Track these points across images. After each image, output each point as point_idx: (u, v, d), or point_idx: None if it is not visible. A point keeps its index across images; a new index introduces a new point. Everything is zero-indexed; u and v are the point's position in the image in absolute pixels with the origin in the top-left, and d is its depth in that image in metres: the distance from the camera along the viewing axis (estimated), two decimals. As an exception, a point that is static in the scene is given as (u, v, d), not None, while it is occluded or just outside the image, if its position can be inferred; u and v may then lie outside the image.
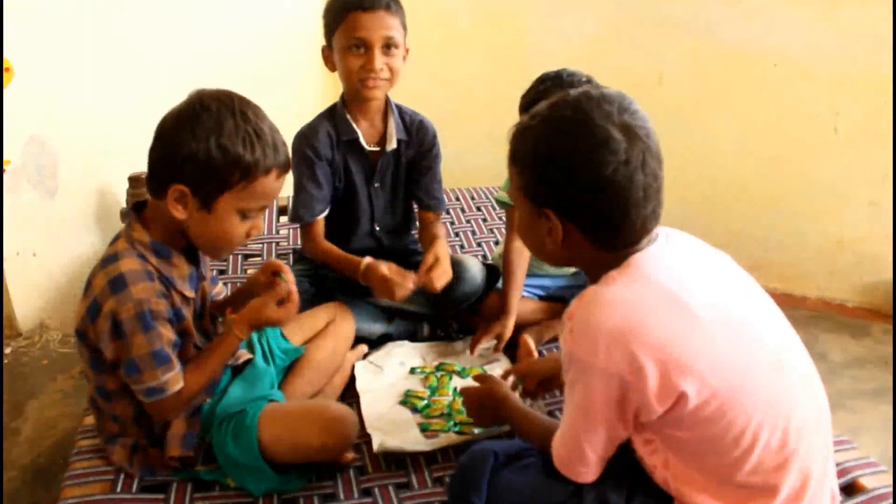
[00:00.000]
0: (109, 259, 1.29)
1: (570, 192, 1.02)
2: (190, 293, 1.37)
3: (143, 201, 1.35)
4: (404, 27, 1.77)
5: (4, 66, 2.09)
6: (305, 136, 1.86)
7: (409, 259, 2.02)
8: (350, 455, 1.50)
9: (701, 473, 1.06)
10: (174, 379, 1.30)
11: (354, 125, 1.85)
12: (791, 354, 1.10)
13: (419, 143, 1.92)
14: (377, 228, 1.97)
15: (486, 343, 1.90)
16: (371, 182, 1.90)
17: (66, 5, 2.32)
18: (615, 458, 1.13)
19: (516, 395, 1.44)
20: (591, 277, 1.12)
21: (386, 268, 1.67)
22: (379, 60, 1.72)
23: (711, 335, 1.01)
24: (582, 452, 1.09)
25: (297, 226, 2.39)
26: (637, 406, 1.02)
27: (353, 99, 1.83)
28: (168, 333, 1.29)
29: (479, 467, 1.19)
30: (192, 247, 1.36)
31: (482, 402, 1.45)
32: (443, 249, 1.77)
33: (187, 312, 1.37)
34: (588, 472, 1.11)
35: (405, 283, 1.65)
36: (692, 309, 1.00)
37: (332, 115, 1.88)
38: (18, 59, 2.14)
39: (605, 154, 0.99)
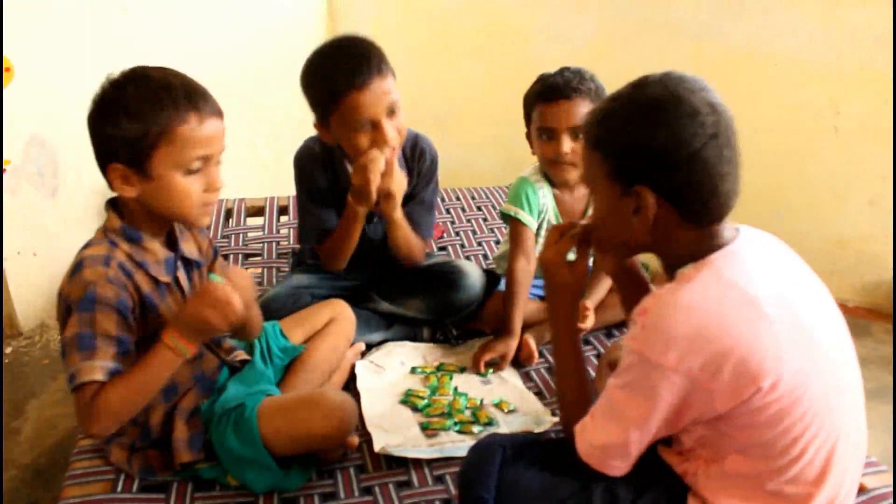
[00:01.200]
0: (82, 248, 1.31)
1: (662, 168, 1.04)
2: (165, 278, 1.34)
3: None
4: (393, 74, 1.66)
5: (5, 65, 2.09)
6: (304, 163, 1.82)
7: (416, 271, 1.96)
8: (355, 440, 1.50)
9: (738, 476, 1.06)
10: (89, 369, 1.20)
11: (350, 168, 1.75)
12: (848, 374, 1.10)
13: (418, 174, 1.87)
14: (377, 253, 1.93)
15: (489, 356, 1.88)
16: (370, 219, 1.84)
17: (66, 5, 2.33)
18: None
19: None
20: (667, 266, 1.12)
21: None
22: (390, 131, 1.63)
23: (784, 342, 1.00)
24: (626, 449, 1.07)
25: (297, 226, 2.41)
26: (698, 408, 1.02)
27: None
28: (105, 323, 1.22)
29: (487, 462, 1.18)
30: (171, 232, 1.37)
31: (564, 280, 1.26)
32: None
33: (170, 299, 1.34)
34: (623, 466, 1.09)
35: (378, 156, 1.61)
36: (768, 315, 1.00)
37: (331, 156, 1.80)
38: (18, 59, 2.14)
39: (696, 127, 1.02)
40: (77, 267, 1.26)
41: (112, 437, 1.41)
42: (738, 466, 1.06)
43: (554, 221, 1.90)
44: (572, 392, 1.23)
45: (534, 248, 1.88)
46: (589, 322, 1.79)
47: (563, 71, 1.78)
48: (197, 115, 1.25)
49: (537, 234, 1.91)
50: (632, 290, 1.37)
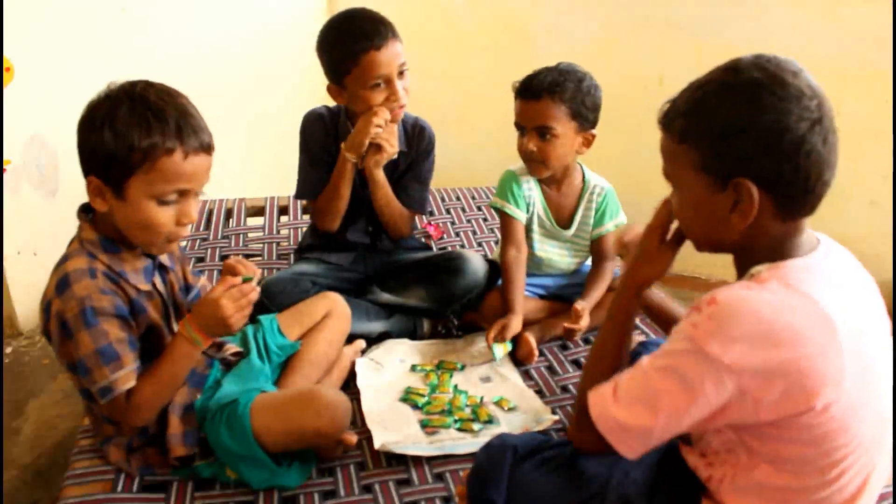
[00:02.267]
0: (61, 261, 1.30)
1: (767, 156, 0.95)
2: (145, 286, 1.34)
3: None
4: (401, 41, 1.81)
5: (5, 65, 2.09)
6: (309, 124, 1.94)
7: (407, 255, 2.03)
8: (352, 437, 1.50)
9: (765, 488, 1.02)
10: (124, 377, 1.27)
11: None
12: (890, 403, 1.06)
13: (416, 149, 1.96)
14: (370, 229, 2.00)
15: (493, 332, 1.89)
16: (366, 186, 1.92)
17: (66, 5, 2.33)
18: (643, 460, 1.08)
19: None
20: (740, 264, 1.06)
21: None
22: (400, 89, 1.79)
23: (848, 370, 0.95)
24: (649, 435, 1.00)
25: (298, 226, 2.42)
26: (739, 414, 0.96)
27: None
28: (115, 330, 1.26)
29: (498, 463, 1.16)
30: None
31: (654, 254, 1.20)
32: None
33: (150, 306, 1.36)
34: (638, 451, 1.02)
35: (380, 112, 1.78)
36: (840, 340, 0.94)
37: (335, 120, 1.92)
38: (19, 59, 2.14)
39: (801, 111, 0.94)
40: (63, 283, 1.26)
41: (109, 438, 1.41)
42: (768, 478, 1.00)
43: (542, 215, 1.93)
44: (601, 373, 1.13)
45: (524, 239, 1.93)
46: (583, 322, 1.79)
47: (549, 69, 1.80)
48: (183, 149, 1.23)
49: (530, 228, 1.95)
50: (662, 317, 1.38)
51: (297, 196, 2.02)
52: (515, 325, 1.81)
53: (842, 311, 0.96)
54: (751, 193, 0.97)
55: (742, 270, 1.05)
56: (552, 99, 1.77)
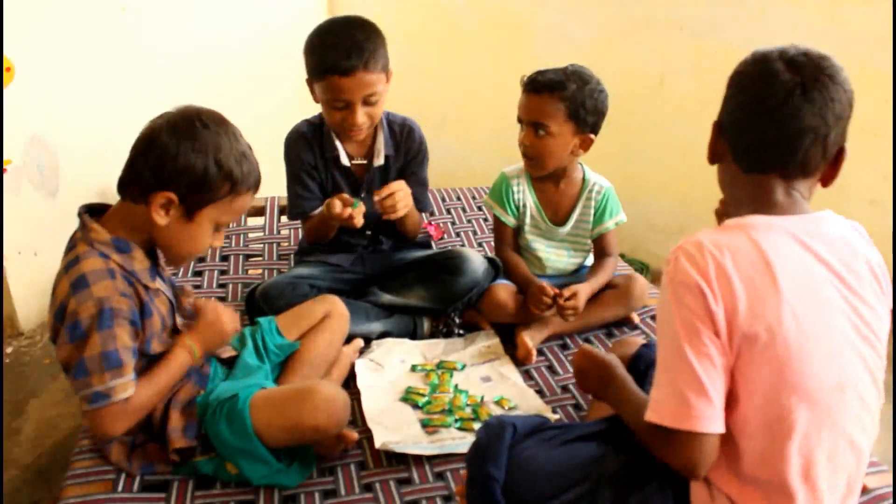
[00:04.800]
0: (72, 263, 1.30)
1: (727, 103, 1.14)
2: (155, 284, 1.37)
3: (97, 204, 1.38)
4: (385, 68, 1.79)
5: (5, 65, 2.09)
6: (292, 142, 1.95)
7: (407, 255, 2.03)
8: (354, 435, 1.50)
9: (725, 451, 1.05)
10: (122, 386, 1.28)
11: (338, 142, 1.91)
12: (863, 387, 1.07)
13: (407, 150, 1.97)
14: (368, 232, 2.01)
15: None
16: (357, 193, 1.93)
17: (66, 5, 2.33)
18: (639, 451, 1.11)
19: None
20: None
21: (337, 199, 1.77)
22: (360, 115, 1.77)
23: (785, 311, 1.01)
24: (694, 377, 1.01)
25: (298, 226, 2.42)
26: (711, 325, 1.01)
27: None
28: (124, 336, 1.28)
29: (498, 439, 1.18)
30: (152, 246, 1.40)
31: (592, 366, 1.32)
32: (401, 188, 1.81)
33: (160, 305, 1.38)
34: (705, 411, 1.01)
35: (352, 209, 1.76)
36: (779, 281, 1.02)
37: (318, 127, 1.94)
38: (19, 59, 2.14)
39: (772, 84, 1.07)
40: (81, 283, 1.26)
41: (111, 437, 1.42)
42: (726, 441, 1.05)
43: (536, 214, 1.95)
44: (637, 412, 1.14)
45: (513, 240, 2.01)
46: (579, 302, 1.82)
47: (557, 69, 1.82)
48: (254, 189, 1.39)
49: (522, 228, 1.98)
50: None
51: (290, 217, 2.03)
52: (540, 289, 1.83)
53: (790, 265, 1.03)
54: (717, 132, 1.15)
55: None
56: (551, 96, 1.79)
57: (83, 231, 1.33)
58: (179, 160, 1.27)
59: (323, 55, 1.73)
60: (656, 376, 1.07)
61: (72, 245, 1.34)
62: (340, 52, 1.70)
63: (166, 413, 1.40)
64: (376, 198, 1.78)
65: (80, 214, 1.36)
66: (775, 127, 1.07)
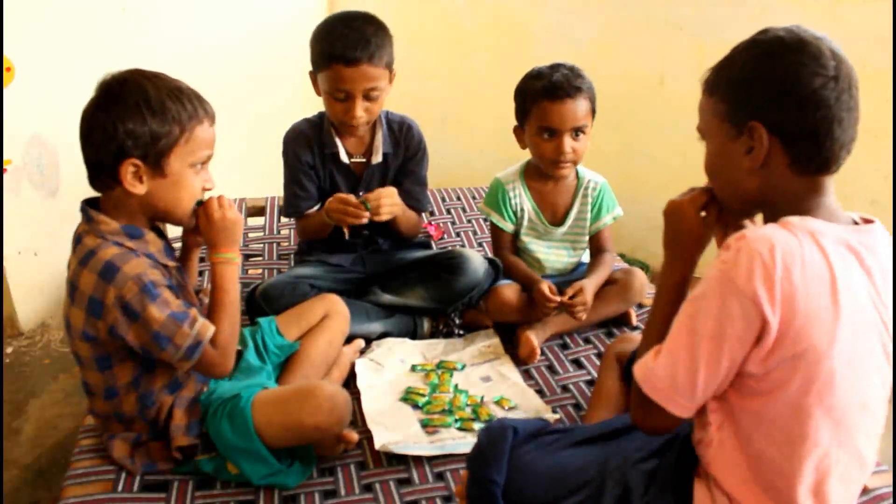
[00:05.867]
0: (88, 256, 1.30)
1: (779, 103, 1.02)
2: (172, 263, 1.39)
3: (94, 198, 1.38)
4: (388, 66, 1.80)
5: (5, 65, 2.09)
6: (290, 141, 1.95)
7: (407, 255, 2.03)
8: (354, 436, 1.50)
9: (744, 456, 1.04)
10: (203, 327, 1.32)
11: (337, 139, 1.91)
12: (880, 405, 1.06)
13: (406, 149, 1.98)
14: (365, 232, 2.00)
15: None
16: (356, 191, 1.93)
17: (66, 5, 2.33)
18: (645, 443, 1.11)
19: None
20: (769, 219, 1.08)
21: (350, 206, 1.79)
22: (360, 108, 1.79)
23: (841, 328, 0.97)
24: (694, 378, 1.00)
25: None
26: (759, 353, 0.97)
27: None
28: (172, 298, 1.31)
29: (499, 443, 1.17)
30: (156, 226, 1.41)
31: (683, 221, 1.18)
32: (389, 195, 1.82)
33: (177, 281, 1.40)
34: (687, 406, 1.02)
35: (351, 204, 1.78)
36: (840, 297, 0.96)
37: (318, 125, 1.95)
38: (19, 59, 2.14)
39: (817, 67, 1.01)
40: (110, 269, 1.27)
41: (114, 434, 1.42)
42: (747, 446, 1.04)
43: (533, 217, 1.95)
44: (655, 340, 1.11)
45: (511, 245, 1.99)
46: (587, 298, 1.81)
47: (558, 67, 1.81)
48: (206, 116, 1.35)
49: (520, 232, 1.98)
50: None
51: (285, 214, 2.05)
52: (541, 288, 1.82)
53: (852, 284, 0.98)
54: (761, 137, 1.03)
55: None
56: (582, 95, 1.78)
57: (90, 224, 1.33)
58: (119, 128, 1.26)
59: (330, 44, 1.75)
60: (666, 343, 1.04)
61: (78, 240, 1.34)
62: (347, 42, 1.73)
63: (170, 411, 1.40)
64: (361, 195, 1.81)
65: (82, 209, 1.35)
66: (841, 111, 1.01)
